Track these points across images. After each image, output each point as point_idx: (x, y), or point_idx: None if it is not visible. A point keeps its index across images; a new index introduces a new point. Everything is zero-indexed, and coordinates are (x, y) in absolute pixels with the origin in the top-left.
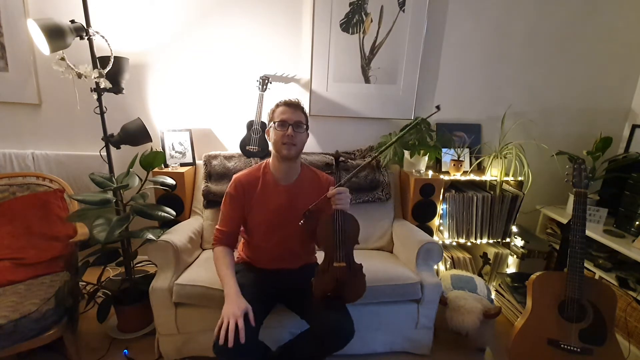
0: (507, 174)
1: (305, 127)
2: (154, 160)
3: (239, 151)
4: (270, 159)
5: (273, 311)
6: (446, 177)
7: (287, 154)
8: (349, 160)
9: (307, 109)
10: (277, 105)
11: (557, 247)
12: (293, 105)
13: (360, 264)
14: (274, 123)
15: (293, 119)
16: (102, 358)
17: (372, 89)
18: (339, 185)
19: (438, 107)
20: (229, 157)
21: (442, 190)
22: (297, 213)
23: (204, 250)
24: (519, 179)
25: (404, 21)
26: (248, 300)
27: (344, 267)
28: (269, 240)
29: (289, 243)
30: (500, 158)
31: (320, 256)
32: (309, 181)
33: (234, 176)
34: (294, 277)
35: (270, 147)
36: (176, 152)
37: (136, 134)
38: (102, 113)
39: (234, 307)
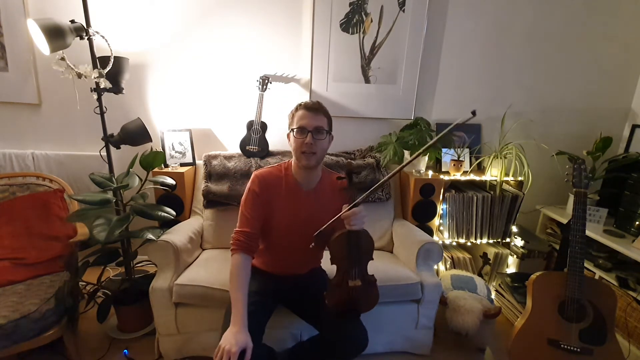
0: (507, 174)
1: (326, 132)
2: (154, 160)
3: (239, 151)
4: (292, 160)
5: (274, 312)
6: (446, 177)
7: (306, 164)
8: (349, 160)
9: None
10: (297, 109)
11: (557, 247)
12: (313, 109)
13: (373, 275)
14: (293, 129)
15: (312, 124)
16: (102, 358)
17: (372, 89)
18: (354, 205)
19: (474, 113)
20: (229, 157)
21: (442, 190)
22: (318, 220)
23: (204, 250)
24: (519, 179)
25: (404, 21)
26: (253, 309)
27: (359, 285)
28: (283, 244)
29: (303, 250)
30: (500, 158)
31: (324, 259)
32: (328, 187)
33: (255, 173)
34: (301, 283)
35: (271, 148)
36: (176, 152)
37: (136, 134)
38: (102, 113)
39: (232, 342)
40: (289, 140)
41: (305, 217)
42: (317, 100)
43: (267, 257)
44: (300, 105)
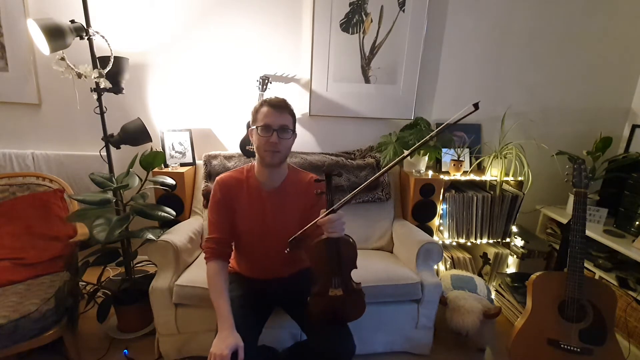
0: (507, 174)
1: (291, 131)
2: (154, 160)
3: (239, 151)
4: (254, 162)
5: (273, 313)
6: (446, 177)
7: (270, 162)
8: (349, 159)
9: (306, 109)
10: (261, 105)
11: (557, 247)
12: (279, 107)
13: (359, 283)
14: (257, 127)
15: (278, 123)
16: (102, 358)
17: (372, 89)
18: (331, 211)
19: (476, 106)
20: (229, 157)
21: (442, 190)
22: (285, 220)
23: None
24: (519, 179)
25: (404, 21)
26: (242, 313)
27: (341, 295)
28: (257, 249)
29: (273, 254)
30: (500, 158)
31: None
32: (295, 185)
33: (217, 178)
34: (288, 284)
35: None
36: (176, 152)
37: (136, 134)
38: (102, 113)
39: (222, 346)
40: (251, 137)
41: (271, 218)
42: (283, 98)
43: (244, 263)
44: (264, 101)
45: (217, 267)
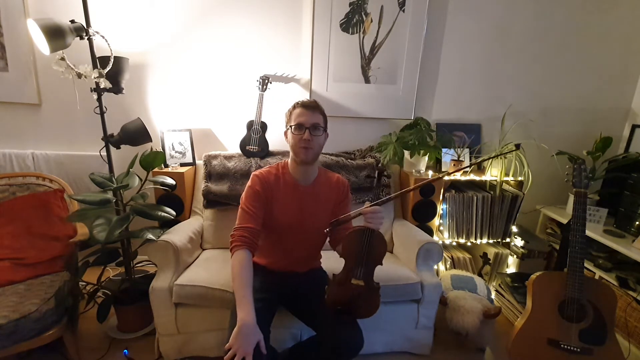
0: (507, 174)
1: (322, 129)
2: (154, 160)
3: (239, 151)
4: (289, 160)
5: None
6: (446, 177)
7: (304, 158)
8: (349, 159)
9: None
10: (295, 107)
11: (557, 247)
12: (310, 107)
13: (378, 283)
14: (291, 126)
15: (310, 121)
16: (102, 358)
17: (372, 89)
18: (376, 204)
19: (517, 146)
20: (229, 157)
21: (442, 190)
22: (320, 213)
23: (204, 250)
24: (519, 179)
25: (404, 21)
26: (260, 307)
27: (362, 285)
28: (289, 240)
29: (303, 246)
30: (500, 158)
31: (326, 263)
32: (326, 183)
33: (254, 173)
34: (300, 282)
35: (271, 148)
36: (176, 152)
37: (136, 134)
38: (102, 113)
39: (246, 342)
40: (287, 137)
41: (305, 212)
42: (314, 99)
43: (269, 254)
44: (297, 103)
45: (246, 257)
